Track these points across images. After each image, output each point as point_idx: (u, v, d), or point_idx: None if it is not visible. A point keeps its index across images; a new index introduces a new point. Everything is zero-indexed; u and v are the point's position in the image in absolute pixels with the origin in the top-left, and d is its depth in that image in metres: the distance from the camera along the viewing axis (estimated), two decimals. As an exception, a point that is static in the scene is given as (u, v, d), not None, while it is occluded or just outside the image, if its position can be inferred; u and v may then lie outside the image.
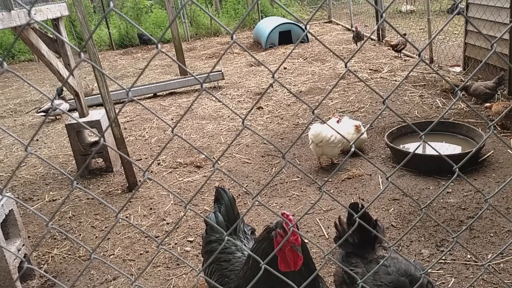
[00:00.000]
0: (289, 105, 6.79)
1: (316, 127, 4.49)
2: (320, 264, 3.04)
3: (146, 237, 3.83)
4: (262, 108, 6.77)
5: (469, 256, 3.11)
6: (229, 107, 2.18)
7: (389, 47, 8.78)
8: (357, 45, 7.88)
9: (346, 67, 1.24)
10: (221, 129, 6.14)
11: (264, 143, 5.43)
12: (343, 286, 2.31)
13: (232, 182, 4.55)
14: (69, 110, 7.13)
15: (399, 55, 8.60)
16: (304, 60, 9.45)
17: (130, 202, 4.43)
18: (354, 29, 8.13)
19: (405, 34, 8.59)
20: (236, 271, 2.07)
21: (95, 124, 4.99)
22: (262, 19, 13.44)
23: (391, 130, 4.84)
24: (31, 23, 4.28)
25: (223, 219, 2.41)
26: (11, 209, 3.24)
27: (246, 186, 4.50)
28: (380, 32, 10.18)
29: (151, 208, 4.30)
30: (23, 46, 13.11)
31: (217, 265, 2.20)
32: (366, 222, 2.22)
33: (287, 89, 1.34)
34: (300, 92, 7.32)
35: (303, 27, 10.67)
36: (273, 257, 1.69)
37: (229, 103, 7.24)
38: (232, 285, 2.01)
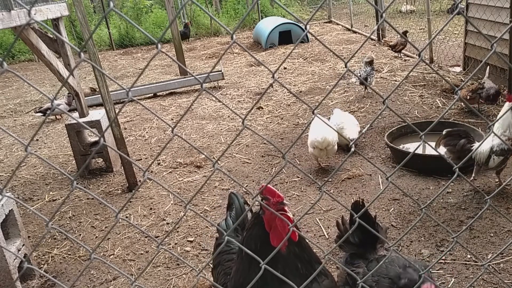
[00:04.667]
0: (289, 105, 6.79)
1: (318, 133, 4.39)
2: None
3: (146, 237, 3.83)
4: (262, 108, 6.77)
5: (469, 256, 3.11)
6: (229, 107, 2.18)
7: (388, 48, 8.77)
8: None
9: (346, 67, 1.24)
10: (221, 129, 6.14)
11: (264, 143, 5.43)
12: (345, 287, 2.32)
13: (232, 182, 4.55)
14: (69, 111, 7.13)
15: (399, 55, 8.60)
16: (304, 60, 9.45)
17: (130, 202, 4.43)
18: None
19: (406, 32, 8.51)
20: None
21: (95, 124, 4.99)
22: (262, 19, 13.43)
23: (391, 130, 4.84)
24: (31, 23, 4.28)
25: (233, 223, 2.41)
26: (11, 209, 3.24)
27: (246, 186, 4.50)
28: (380, 32, 10.18)
29: (151, 208, 4.30)
30: (23, 46, 13.11)
31: (222, 265, 2.20)
32: (367, 221, 2.23)
33: (287, 89, 1.34)
34: (300, 92, 7.32)
35: (303, 27, 10.64)
36: (266, 240, 1.64)
37: (229, 103, 7.24)
38: (231, 283, 2.00)
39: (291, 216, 1.64)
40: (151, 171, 5.08)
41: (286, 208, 1.62)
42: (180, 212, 4.18)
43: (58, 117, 7.50)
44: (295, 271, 1.65)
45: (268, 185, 1.62)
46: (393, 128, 4.91)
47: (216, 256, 2.31)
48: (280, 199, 1.60)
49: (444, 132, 3.70)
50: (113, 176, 5.09)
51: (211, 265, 2.42)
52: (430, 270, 3.00)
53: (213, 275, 2.30)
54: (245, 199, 2.55)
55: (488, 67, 5.58)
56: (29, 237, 3.79)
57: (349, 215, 2.47)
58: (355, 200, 2.37)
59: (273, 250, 1.54)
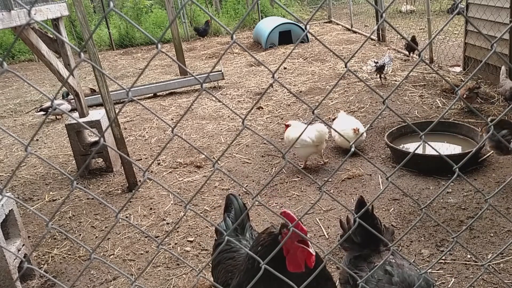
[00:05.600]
0: (289, 105, 6.79)
1: (318, 128, 4.46)
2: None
3: (146, 237, 3.83)
4: (262, 108, 6.77)
5: (469, 256, 3.11)
6: (229, 107, 2.18)
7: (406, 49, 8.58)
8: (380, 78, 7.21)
9: (346, 67, 1.24)
10: (221, 129, 6.14)
11: (264, 143, 5.43)
12: (346, 286, 2.32)
13: (232, 182, 4.55)
14: (70, 111, 7.13)
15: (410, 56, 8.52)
16: (304, 60, 9.45)
17: (130, 202, 4.43)
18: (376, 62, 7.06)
19: (414, 37, 8.40)
20: (238, 266, 2.07)
21: (95, 124, 4.99)
22: (262, 19, 13.43)
23: (391, 130, 4.85)
24: (31, 23, 4.28)
25: (232, 224, 2.41)
26: (11, 209, 3.24)
27: (246, 186, 4.50)
28: (380, 32, 10.18)
29: (151, 208, 4.30)
30: (23, 46, 13.10)
31: (223, 264, 2.21)
32: (370, 221, 2.23)
33: (287, 89, 1.34)
34: (300, 92, 7.32)
35: (303, 27, 10.65)
36: (279, 259, 1.62)
37: (229, 103, 7.24)
38: (234, 282, 2.00)
39: (313, 252, 1.63)
40: (151, 171, 5.09)
41: (308, 242, 1.62)
42: (180, 212, 4.18)
43: (58, 117, 7.51)
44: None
45: (291, 213, 1.61)
46: (393, 128, 4.91)
47: (216, 255, 2.31)
48: (304, 232, 1.59)
49: (489, 119, 3.87)
50: (113, 176, 5.09)
51: (211, 265, 2.43)
52: (430, 270, 3.00)
53: (213, 275, 2.30)
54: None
55: (503, 68, 5.55)
56: (29, 237, 3.79)
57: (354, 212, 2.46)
58: (359, 197, 2.36)
59: (287, 273, 1.56)
